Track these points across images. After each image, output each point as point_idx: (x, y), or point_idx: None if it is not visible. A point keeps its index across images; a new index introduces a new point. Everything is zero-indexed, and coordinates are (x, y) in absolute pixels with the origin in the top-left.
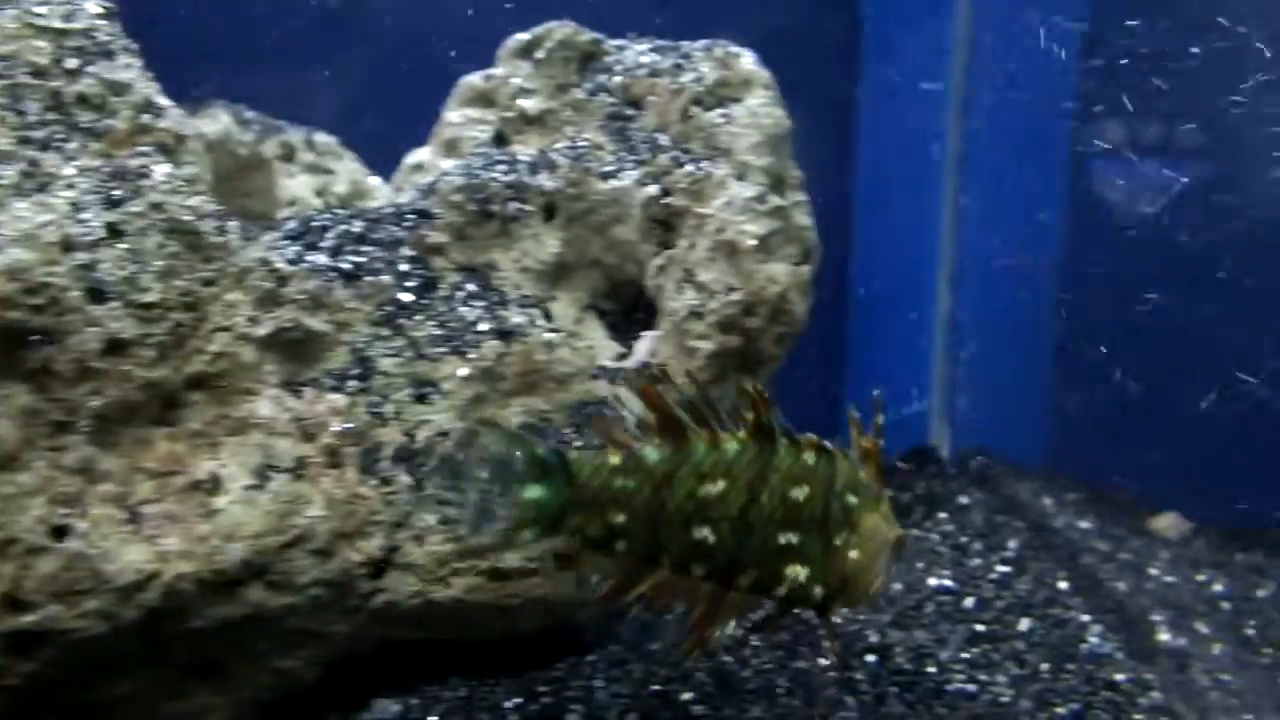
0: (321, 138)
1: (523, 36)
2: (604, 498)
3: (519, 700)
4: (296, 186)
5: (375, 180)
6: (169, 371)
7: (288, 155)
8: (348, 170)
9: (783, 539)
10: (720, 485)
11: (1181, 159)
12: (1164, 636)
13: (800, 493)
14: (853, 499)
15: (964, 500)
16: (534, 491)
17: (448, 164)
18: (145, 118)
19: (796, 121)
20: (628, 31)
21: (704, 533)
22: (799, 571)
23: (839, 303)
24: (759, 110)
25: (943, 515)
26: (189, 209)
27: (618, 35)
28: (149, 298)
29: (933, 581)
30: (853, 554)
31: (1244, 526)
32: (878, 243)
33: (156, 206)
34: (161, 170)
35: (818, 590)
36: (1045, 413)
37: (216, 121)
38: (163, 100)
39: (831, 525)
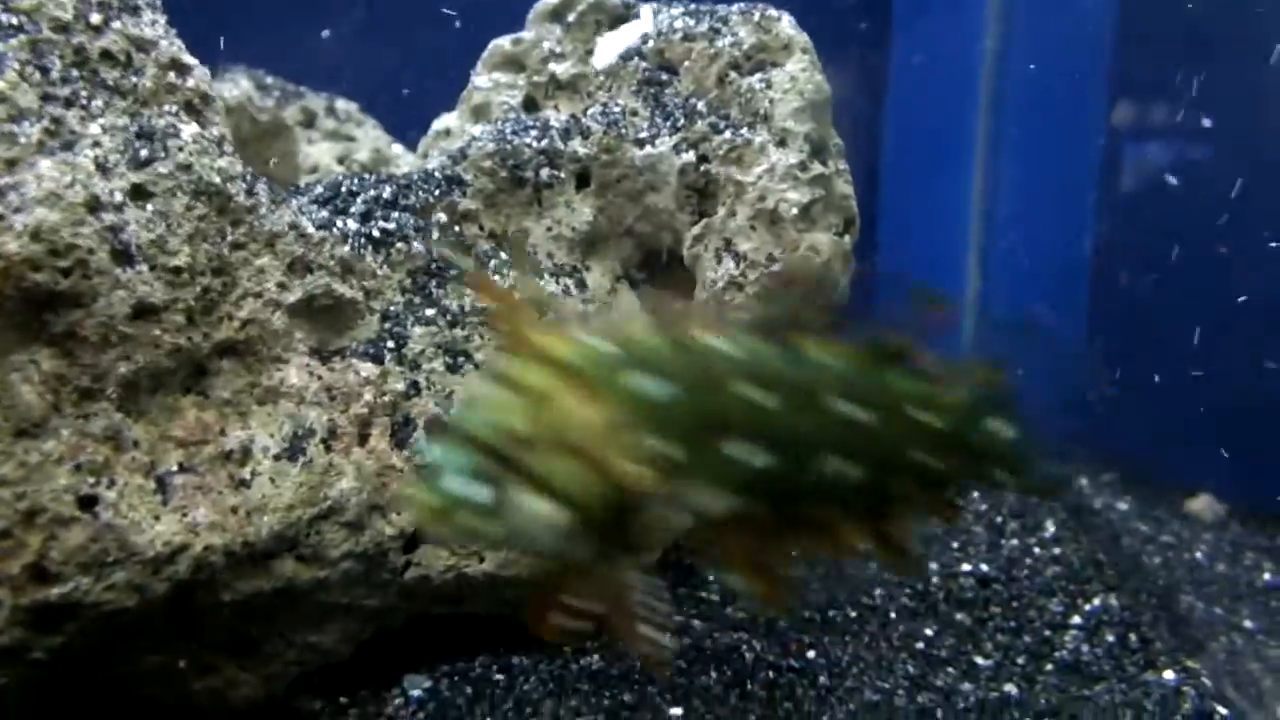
0: (343, 104)
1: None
2: None
3: (551, 677)
4: (318, 153)
5: (398, 148)
6: (198, 338)
7: (308, 121)
8: (370, 137)
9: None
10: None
11: (1217, 136)
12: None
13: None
14: None
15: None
16: None
17: (477, 129)
18: (171, 76)
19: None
20: None
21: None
22: None
23: (867, 275)
24: (799, 75)
25: (976, 495)
26: (217, 170)
27: None
28: (177, 261)
29: (966, 566)
30: None
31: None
32: (907, 216)
33: (184, 167)
34: (189, 130)
35: None
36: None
37: (236, 86)
38: (189, 59)
39: None
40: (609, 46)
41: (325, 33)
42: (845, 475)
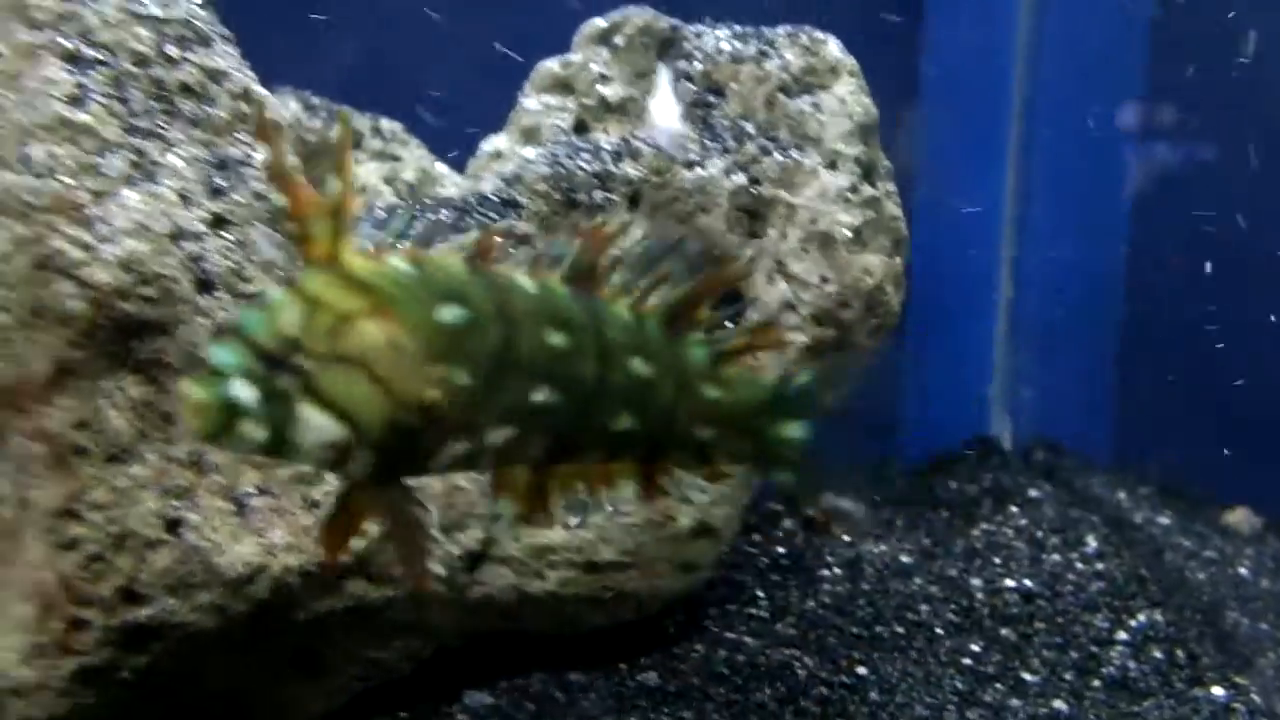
0: (388, 124)
1: (600, 22)
2: None
3: (609, 693)
4: (364, 174)
5: (443, 168)
6: None
7: (355, 142)
8: (415, 157)
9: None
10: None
11: (1258, 141)
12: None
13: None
14: None
15: (1034, 493)
16: None
17: (529, 152)
18: (243, 106)
19: None
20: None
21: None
22: None
23: None
24: (848, 98)
25: (1014, 509)
26: None
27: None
28: (253, 288)
29: (1009, 582)
30: None
31: None
32: (938, 228)
33: (259, 196)
34: (261, 159)
35: None
36: (1110, 404)
37: (284, 108)
38: (259, 88)
39: None
40: (663, 110)
41: (367, 53)
42: (617, 421)
